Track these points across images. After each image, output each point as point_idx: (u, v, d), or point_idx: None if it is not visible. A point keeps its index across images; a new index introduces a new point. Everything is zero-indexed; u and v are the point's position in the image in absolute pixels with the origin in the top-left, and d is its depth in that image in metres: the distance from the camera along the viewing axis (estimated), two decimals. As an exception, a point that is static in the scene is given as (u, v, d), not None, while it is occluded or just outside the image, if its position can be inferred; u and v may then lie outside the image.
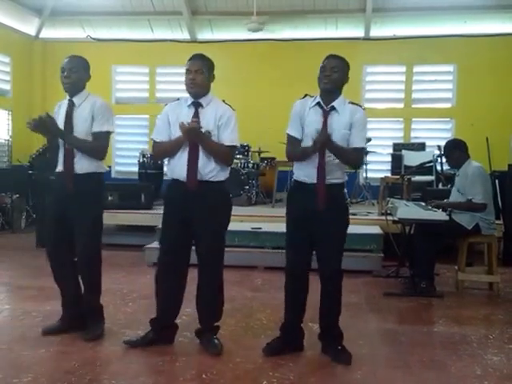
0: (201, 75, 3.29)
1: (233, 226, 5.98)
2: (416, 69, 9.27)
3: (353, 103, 3.26)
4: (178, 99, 3.45)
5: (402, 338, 3.71)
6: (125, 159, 10.14)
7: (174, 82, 9.51)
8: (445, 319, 4.16)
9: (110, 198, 6.92)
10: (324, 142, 3.05)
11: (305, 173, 3.23)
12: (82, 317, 3.61)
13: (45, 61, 9.73)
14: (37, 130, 3.40)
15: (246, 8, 8.95)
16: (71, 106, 3.52)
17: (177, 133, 3.27)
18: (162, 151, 3.44)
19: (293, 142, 3.27)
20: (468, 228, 4.77)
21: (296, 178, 3.32)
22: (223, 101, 3.48)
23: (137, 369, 3.16)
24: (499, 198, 6.35)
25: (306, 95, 3.33)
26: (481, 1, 8.53)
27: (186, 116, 3.29)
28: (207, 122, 3.28)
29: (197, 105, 3.33)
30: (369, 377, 3.06)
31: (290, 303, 3.36)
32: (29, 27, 9.65)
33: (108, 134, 3.55)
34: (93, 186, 3.53)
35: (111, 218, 6.90)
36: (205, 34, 9.65)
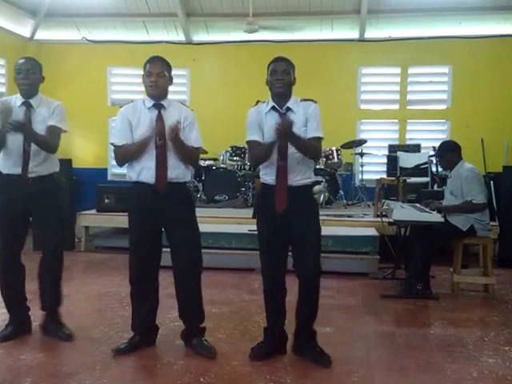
0: (162, 78, 3.31)
1: (229, 228, 5.99)
2: (411, 70, 9.29)
3: (305, 99, 3.28)
4: (133, 101, 3.43)
5: (399, 341, 3.73)
6: (121, 161, 10.11)
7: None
8: (441, 321, 4.18)
9: (106, 200, 6.92)
10: (286, 127, 3.02)
11: (272, 176, 3.23)
12: (28, 320, 3.69)
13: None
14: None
15: (241, 9, 8.94)
16: (29, 107, 3.49)
17: (139, 135, 3.26)
18: (127, 155, 3.32)
19: (256, 146, 3.25)
20: (463, 230, 4.80)
21: (264, 182, 3.32)
22: (181, 103, 3.52)
23: (135, 372, 3.17)
24: (494, 200, 6.38)
25: (257, 102, 3.36)
26: (476, 2, 8.55)
27: (149, 118, 3.30)
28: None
29: (159, 107, 3.34)
30: (365, 379, 3.07)
31: (271, 307, 3.35)
32: (23, 29, 9.61)
33: (61, 131, 3.56)
34: (51, 186, 3.57)
35: (108, 220, 6.92)
36: (200, 36, 9.64)
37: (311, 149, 3.21)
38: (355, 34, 9.22)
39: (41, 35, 9.80)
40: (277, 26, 9.29)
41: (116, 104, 9.96)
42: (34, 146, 3.45)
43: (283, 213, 3.19)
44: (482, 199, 4.77)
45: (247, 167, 8.00)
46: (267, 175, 3.27)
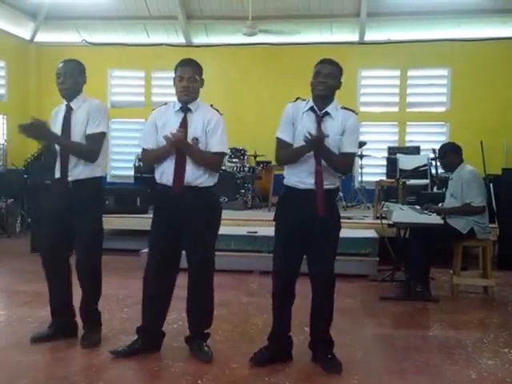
0: (194, 83, 3.29)
1: (229, 230, 5.97)
2: (410, 73, 9.31)
3: (346, 108, 3.23)
4: (166, 103, 3.42)
5: (398, 343, 3.72)
6: (120, 163, 10.11)
7: (169, 86, 9.44)
8: (440, 323, 4.17)
9: (105, 202, 6.90)
10: (318, 141, 3.00)
11: (297, 178, 3.17)
12: (71, 325, 3.63)
13: (40, 65, 9.69)
14: (29, 135, 3.36)
15: (241, 12, 8.97)
16: (69, 110, 3.49)
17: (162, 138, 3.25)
18: (150, 160, 3.40)
19: (284, 146, 3.21)
20: (463, 232, 4.79)
21: (287, 184, 3.25)
22: (211, 105, 3.45)
23: (132, 374, 3.15)
24: (493, 202, 6.38)
25: (297, 98, 3.29)
26: (475, 5, 8.57)
27: (175, 121, 3.28)
28: (195, 128, 3.26)
29: (186, 110, 3.31)
30: (365, 382, 3.06)
31: (279, 312, 3.29)
32: (23, 31, 9.63)
33: (102, 134, 3.49)
34: (91, 193, 3.52)
35: (107, 222, 6.78)
36: (200, 39, 9.66)
37: (340, 164, 3.16)
38: (355, 37, 9.25)
39: (41, 37, 9.82)
40: (276, 28, 9.31)
41: (116, 106, 9.98)
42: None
43: (307, 217, 3.12)
44: (481, 202, 4.77)
45: (247, 169, 8.00)
46: (293, 177, 3.20)
